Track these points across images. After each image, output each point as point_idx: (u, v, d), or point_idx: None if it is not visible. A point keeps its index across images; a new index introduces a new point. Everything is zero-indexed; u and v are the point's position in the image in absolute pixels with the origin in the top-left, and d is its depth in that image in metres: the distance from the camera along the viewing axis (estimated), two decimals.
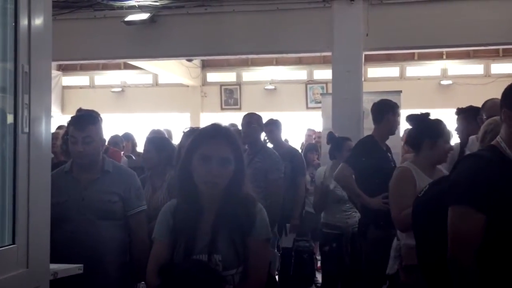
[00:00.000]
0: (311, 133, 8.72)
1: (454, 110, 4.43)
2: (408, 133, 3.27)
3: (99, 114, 3.45)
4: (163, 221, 2.05)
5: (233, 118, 11.04)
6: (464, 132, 4.07)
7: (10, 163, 1.60)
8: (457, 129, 4.24)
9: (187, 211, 1.98)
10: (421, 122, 3.08)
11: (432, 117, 3.10)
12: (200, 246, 1.95)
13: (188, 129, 3.41)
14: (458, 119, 4.28)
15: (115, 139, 5.98)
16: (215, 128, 2.07)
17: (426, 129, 3.02)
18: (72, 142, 2.89)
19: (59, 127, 4.80)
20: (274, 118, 5.54)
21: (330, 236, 4.32)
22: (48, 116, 1.73)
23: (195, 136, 2.07)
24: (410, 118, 3.14)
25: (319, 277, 4.96)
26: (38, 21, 1.69)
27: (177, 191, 2.08)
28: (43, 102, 1.70)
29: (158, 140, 3.90)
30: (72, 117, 3.19)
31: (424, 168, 2.93)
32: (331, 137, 4.77)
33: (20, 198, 1.59)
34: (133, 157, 6.10)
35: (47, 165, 1.72)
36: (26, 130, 1.61)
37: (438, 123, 3.05)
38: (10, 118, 1.66)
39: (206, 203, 2.00)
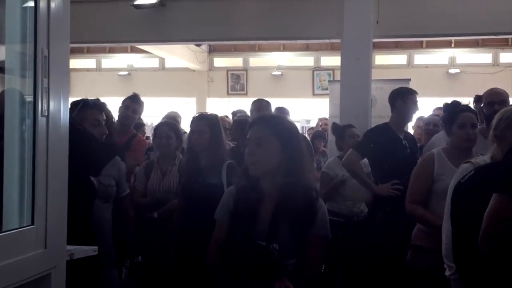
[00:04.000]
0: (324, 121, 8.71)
1: (462, 99, 4.42)
2: None
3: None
4: (225, 203, 2.14)
5: (239, 104, 11.07)
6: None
7: (29, 146, 1.62)
8: None
9: (247, 197, 2.05)
10: (445, 110, 3.16)
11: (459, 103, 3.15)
12: (258, 232, 1.99)
13: (198, 114, 3.44)
14: (475, 107, 4.27)
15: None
16: (257, 116, 2.23)
17: (445, 116, 3.11)
18: None
19: None
20: (280, 106, 5.53)
21: (335, 223, 4.32)
22: (66, 99, 1.75)
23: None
24: (443, 107, 3.27)
25: None
26: (57, 4, 1.69)
27: (241, 178, 2.15)
28: (61, 85, 1.72)
29: (174, 125, 3.94)
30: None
31: (451, 154, 2.93)
32: (335, 127, 4.77)
33: (38, 180, 1.61)
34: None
35: (65, 147, 1.74)
36: (46, 113, 1.62)
37: (451, 109, 3.08)
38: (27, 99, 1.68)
39: (266, 189, 2.05)
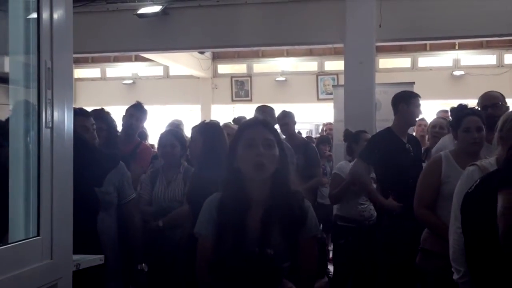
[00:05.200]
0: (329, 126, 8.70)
1: (467, 101, 4.39)
2: None
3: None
4: (206, 215, 2.01)
5: (244, 110, 11.07)
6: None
7: (34, 157, 1.63)
8: None
9: (234, 205, 1.96)
10: (452, 114, 3.19)
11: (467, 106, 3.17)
12: (249, 240, 1.92)
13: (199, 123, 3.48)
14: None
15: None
16: (254, 118, 2.24)
17: (452, 120, 3.13)
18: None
19: None
20: (287, 110, 5.49)
21: (346, 229, 4.32)
22: (70, 110, 1.76)
23: (237, 130, 2.11)
24: (450, 111, 3.28)
25: (331, 268, 4.97)
26: (60, 15, 1.71)
27: (223, 186, 2.05)
28: (65, 97, 1.73)
29: (179, 133, 3.94)
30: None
31: (459, 156, 2.93)
32: (347, 134, 4.76)
33: (44, 191, 1.62)
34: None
35: (69, 158, 1.74)
36: (50, 125, 1.63)
37: (457, 113, 3.08)
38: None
39: (254, 196, 1.98)
